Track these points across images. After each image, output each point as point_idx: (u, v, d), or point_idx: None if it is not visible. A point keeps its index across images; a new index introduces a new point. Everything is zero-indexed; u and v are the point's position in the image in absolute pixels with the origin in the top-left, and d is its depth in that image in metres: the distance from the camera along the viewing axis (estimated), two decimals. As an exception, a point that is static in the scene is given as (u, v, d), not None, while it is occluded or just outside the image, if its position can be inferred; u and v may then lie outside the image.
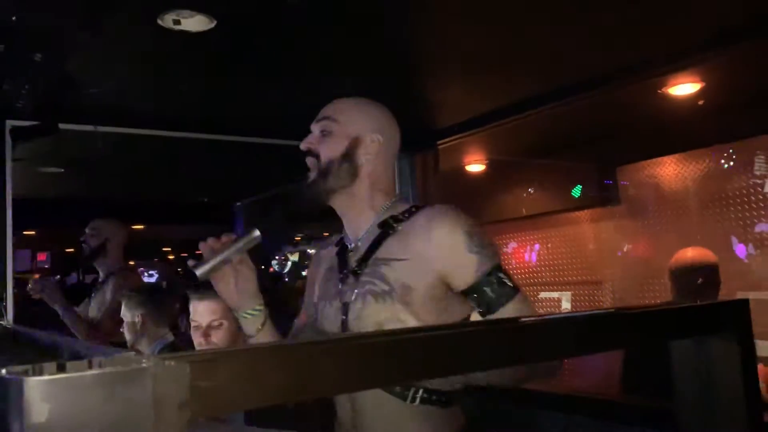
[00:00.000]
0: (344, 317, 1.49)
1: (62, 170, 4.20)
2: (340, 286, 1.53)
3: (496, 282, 1.41)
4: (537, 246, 4.91)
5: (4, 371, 0.49)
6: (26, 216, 2.89)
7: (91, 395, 0.47)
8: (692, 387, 0.98)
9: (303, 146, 1.55)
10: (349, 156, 1.52)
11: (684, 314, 0.97)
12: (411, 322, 1.41)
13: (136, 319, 2.79)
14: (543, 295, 4.74)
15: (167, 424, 0.50)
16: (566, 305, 4.59)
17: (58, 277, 3.53)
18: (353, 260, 1.54)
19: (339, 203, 1.57)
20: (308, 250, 11.96)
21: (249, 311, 1.50)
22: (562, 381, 3.52)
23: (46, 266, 10.14)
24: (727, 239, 3.79)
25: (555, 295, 4.67)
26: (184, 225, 7.86)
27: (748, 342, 0.91)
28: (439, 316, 1.44)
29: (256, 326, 1.50)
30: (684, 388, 0.99)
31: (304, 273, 11.20)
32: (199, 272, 1.39)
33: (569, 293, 4.61)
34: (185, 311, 4.71)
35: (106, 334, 3.31)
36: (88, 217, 3.64)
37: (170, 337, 2.87)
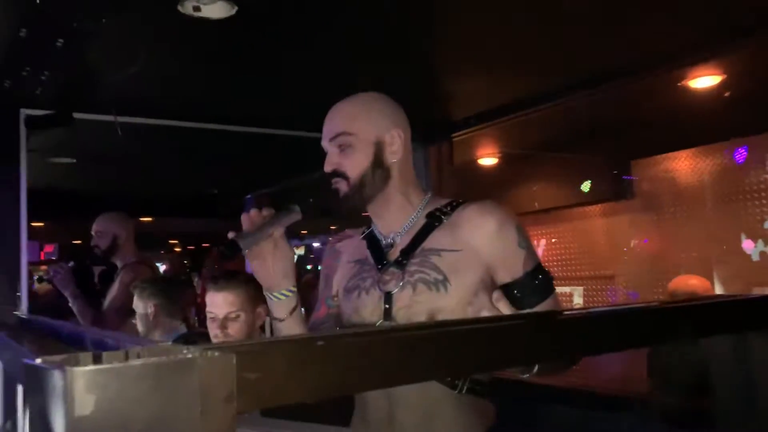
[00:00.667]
0: (387, 306, 1.46)
1: (74, 161, 4.19)
2: (379, 276, 1.50)
3: (539, 279, 1.44)
4: (549, 240, 4.87)
5: (39, 360, 0.47)
6: (34, 207, 2.89)
7: (136, 386, 0.45)
8: (733, 384, 0.96)
9: (328, 168, 1.51)
10: (378, 161, 1.50)
11: (728, 309, 0.95)
12: (464, 311, 1.40)
13: (149, 311, 2.77)
14: (554, 289, 4.69)
15: (214, 416, 0.48)
16: (578, 300, 4.56)
17: (72, 263, 3.50)
18: (395, 251, 1.52)
19: (375, 207, 1.55)
20: (314, 244, 11.95)
21: (283, 291, 1.45)
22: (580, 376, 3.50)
23: (53, 258, 10.15)
24: (741, 234, 3.75)
25: (567, 289, 4.64)
26: (194, 217, 7.83)
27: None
28: (489, 308, 1.43)
29: (288, 309, 1.46)
30: (724, 385, 0.97)
31: (308, 267, 11.18)
32: (242, 243, 1.32)
33: (581, 288, 4.58)
34: (194, 305, 4.70)
35: (112, 327, 3.30)
36: (96, 209, 3.61)
37: (183, 329, 2.85)
